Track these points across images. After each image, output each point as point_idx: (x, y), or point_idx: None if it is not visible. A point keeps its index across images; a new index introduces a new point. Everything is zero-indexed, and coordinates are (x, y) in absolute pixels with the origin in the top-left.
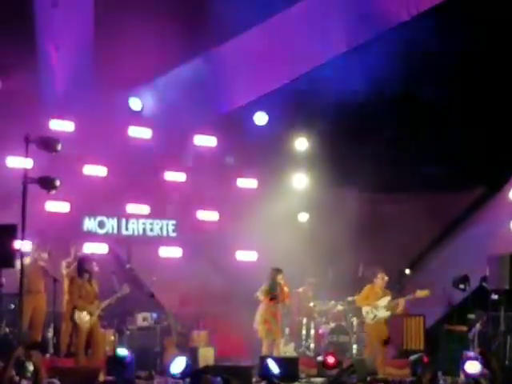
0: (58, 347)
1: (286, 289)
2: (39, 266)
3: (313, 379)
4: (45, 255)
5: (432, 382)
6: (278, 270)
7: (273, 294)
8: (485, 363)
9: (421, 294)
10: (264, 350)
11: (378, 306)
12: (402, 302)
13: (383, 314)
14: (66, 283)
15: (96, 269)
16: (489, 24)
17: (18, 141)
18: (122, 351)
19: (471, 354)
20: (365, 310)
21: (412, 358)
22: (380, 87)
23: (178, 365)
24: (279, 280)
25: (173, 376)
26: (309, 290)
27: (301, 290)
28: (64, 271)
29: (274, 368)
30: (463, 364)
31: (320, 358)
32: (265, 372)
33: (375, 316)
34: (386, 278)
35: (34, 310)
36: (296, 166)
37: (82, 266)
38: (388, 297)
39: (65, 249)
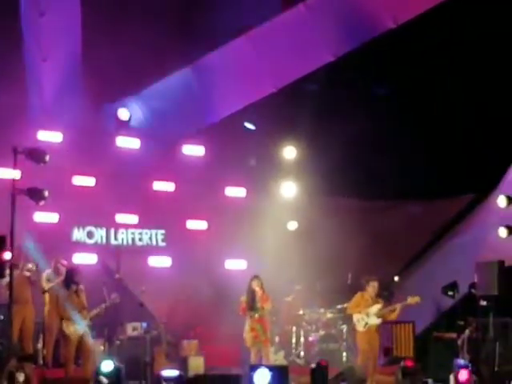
0: (47, 358)
1: (259, 292)
2: (25, 277)
3: None
4: (32, 266)
5: None
6: (252, 278)
7: (250, 305)
8: (475, 370)
9: (412, 300)
10: (252, 359)
11: (369, 314)
12: (398, 307)
13: (374, 321)
14: (47, 295)
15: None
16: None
17: (6, 152)
18: (107, 365)
19: (461, 361)
20: (356, 317)
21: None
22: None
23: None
24: (254, 287)
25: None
26: (298, 298)
27: (290, 298)
28: (44, 284)
29: (262, 379)
30: (455, 372)
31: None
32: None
33: (366, 323)
34: (377, 285)
35: (23, 321)
36: (284, 175)
37: (71, 277)
38: (379, 305)
39: (50, 260)
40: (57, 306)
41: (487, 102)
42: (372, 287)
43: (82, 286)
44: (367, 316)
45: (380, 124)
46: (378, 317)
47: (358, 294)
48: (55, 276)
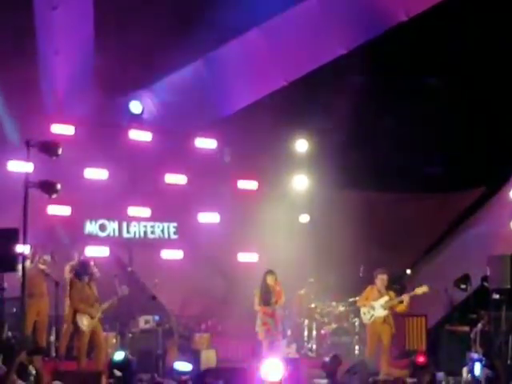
0: (60, 350)
1: (277, 288)
2: (40, 270)
3: (316, 380)
4: (48, 258)
5: (431, 383)
6: (267, 272)
7: (264, 300)
8: (489, 364)
9: (419, 290)
10: (265, 352)
11: (374, 306)
12: (406, 298)
13: (380, 313)
14: (68, 287)
15: (98, 275)
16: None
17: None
18: (119, 355)
19: (475, 355)
20: (362, 310)
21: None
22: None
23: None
24: (269, 282)
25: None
26: (310, 291)
27: (302, 291)
28: (67, 275)
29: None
30: (470, 365)
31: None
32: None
33: (372, 316)
34: (386, 278)
35: (38, 314)
36: (296, 168)
37: (83, 269)
38: (386, 297)
39: (66, 252)
40: (70, 298)
41: (499, 96)
42: (380, 280)
43: (97, 275)
44: (373, 309)
45: (392, 117)
46: (385, 309)
47: (368, 288)
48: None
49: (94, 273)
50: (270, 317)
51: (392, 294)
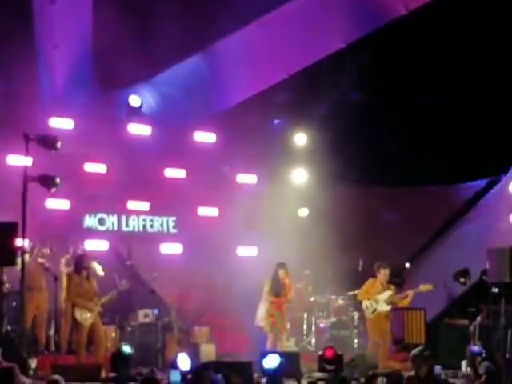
0: (59, 344)
1: (287, 282)
2: (39, 264)
3: (314, 374)
4: (46, 251)
5: (429, 376)
6: (278, 265)
7: (275, 291)
8: (489, 357)
9: (424, 288)
10: (269, 345)
11: (378, 300)
12: (411, 293)
13: (383, 307)
14: (64, 280)
15: (102, 273)
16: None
17: (17, 139)
18: (127, 348)
19: (475, 348)
20: (365, 304)
21: (414, 352)
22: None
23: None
24: (280, 275)
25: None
26: (307, 283)
27: (300, 285)
28: (63, 268)
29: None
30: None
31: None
32: (263, 368)
33: (375, 310)
34: (388, 272)
35: (37, 308)
36: (295, 161)
37: (81, 263)
38: (389, 291)
39: (65, 246)
40: (68, 292)
41: (500, 88)
42: (384, 275)
43: (99, 267)
44: (376, 303)
45: (391, 111)
46: (388, 303)
47: (369, 281)
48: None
49: (90, 267)
50: (276, 309)
51: (393, 287)
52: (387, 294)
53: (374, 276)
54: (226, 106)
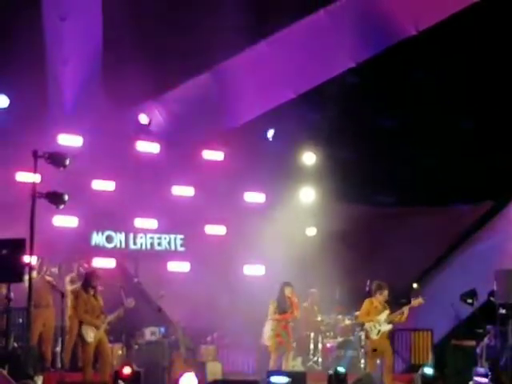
0: (65, 362)
1: (295, 300)
2: (46, 281)
3: None
4: (55, 270)
5: None
6: (285, 284)
7: (282, 308)
8: (495, 379)
9: (416, 302)
10: (272, 364)
11: (380, 321)
12: (406, 310)
13: (386, 327)
14: (70, 298)
15: (100, 288)
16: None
17: (26, 156)
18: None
19: (482, 369)
20: (368, 325)
21: (419, 372)
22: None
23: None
24: (287, 294)
25: None
26: (313, 302)
27: (306, 304)
28: (68, 287)
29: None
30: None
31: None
32: None
33: (379, 331)
34: (387, 293)
35: (44, 325)
36: (303, 180)
37: (88, 281)
38: (387, 311)
39: (73, 263)
40: (75, 309)
41: (508, 107)
42: (383, 296)
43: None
44: (379, 324)
45: (398, 132)
46: (388, 322)
47: (367, 301)
48: (78, 279)
49: (97, 285)
50: (283, 329)
51: (387, 306)
52: (385, 313)
53: (371, 296)
54: (234, 125)
